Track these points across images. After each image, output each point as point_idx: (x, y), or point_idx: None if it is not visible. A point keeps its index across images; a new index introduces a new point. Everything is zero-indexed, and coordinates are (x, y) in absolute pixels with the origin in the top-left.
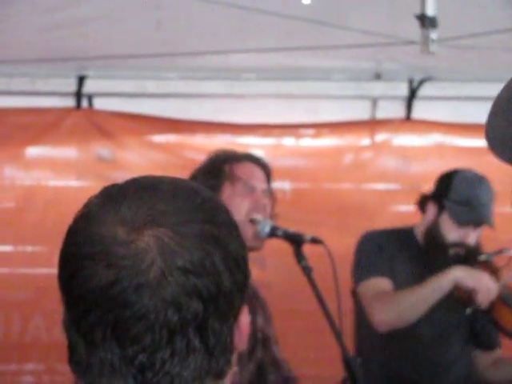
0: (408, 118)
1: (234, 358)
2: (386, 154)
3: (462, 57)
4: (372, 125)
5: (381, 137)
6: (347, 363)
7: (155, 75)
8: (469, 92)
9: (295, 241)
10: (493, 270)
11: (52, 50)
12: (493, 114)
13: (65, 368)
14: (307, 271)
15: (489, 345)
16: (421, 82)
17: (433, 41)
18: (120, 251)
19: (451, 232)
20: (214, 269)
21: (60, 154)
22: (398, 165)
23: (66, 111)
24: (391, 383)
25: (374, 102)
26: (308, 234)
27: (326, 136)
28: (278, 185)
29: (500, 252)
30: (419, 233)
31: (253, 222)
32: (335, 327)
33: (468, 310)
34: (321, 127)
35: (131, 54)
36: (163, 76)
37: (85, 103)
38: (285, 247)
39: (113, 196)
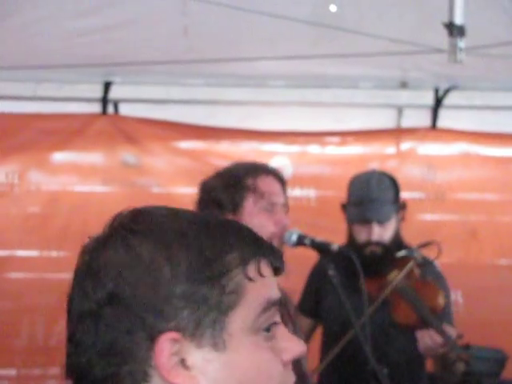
0: (433, 126)
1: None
2: (412, 163)
3: (488, 66)
4: (397, 133)
5: (406, 145)
6: (373, 373)
7: (181, 82)
8: (495, 101)
9: (323, 250)
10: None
11: (78, 55)
12: None
13: None
14: (334, 281)
15: None
16: (446, 91)
17: (461, 49)
18: None
19: (357, 233)
20: None
21: (86, 159)
22: (423, 173)
23: (92, 117)
24: None
25: (400, 110)
26: (333, 241)
27: (352, 144)
28: (303, 192)
29: (426, 245)
30: None
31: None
32: (360, 336)
33: None
34: (346, 135)
35: (158, 61)
36: (189, 82)
37: (111, 109)
38: (309, 254)
39: None
